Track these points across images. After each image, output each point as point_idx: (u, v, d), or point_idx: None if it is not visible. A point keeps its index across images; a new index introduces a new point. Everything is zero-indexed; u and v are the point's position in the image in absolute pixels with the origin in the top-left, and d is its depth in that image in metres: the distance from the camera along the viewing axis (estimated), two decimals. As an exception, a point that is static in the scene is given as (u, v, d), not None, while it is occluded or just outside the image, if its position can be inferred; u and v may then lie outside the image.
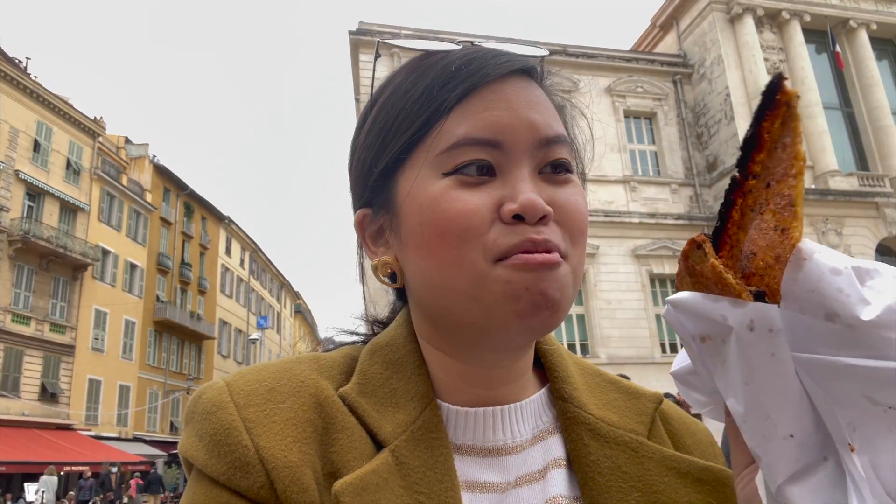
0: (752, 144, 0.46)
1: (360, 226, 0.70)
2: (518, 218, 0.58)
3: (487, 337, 0.62)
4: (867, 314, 0.39)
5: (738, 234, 0.47)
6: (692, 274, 0.46)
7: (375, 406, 0.63)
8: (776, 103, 0.46)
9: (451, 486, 0.58)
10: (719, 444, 0.82)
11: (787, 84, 0.46)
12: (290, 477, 0.55)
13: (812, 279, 0.41)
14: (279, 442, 0.57)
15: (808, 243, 0.43)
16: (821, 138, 22.73)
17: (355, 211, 0.71)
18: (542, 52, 0.70)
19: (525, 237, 0.58)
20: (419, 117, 0.63)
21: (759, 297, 0.43)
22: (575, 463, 0.65)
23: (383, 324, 0.80)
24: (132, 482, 22.21)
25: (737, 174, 0.47)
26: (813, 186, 22.19)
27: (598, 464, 0.64)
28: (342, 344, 0.78)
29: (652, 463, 0.65)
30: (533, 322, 0.59)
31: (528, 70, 0.66)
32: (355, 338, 0.79)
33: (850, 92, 24.71)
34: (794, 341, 0.42)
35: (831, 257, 0.42)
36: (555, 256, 0.58)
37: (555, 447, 0.67)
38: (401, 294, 0.75)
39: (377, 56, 0.74)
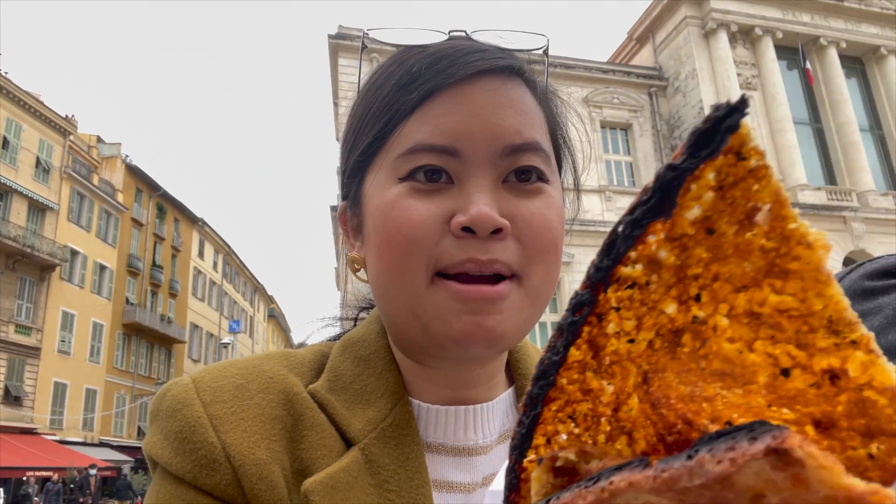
0: (642, 219, 0.28)
1: (343, 218, 0.70)
2: (469, 231, 0.55)
3: (430, 352, 0.61)
4: None
5: (583, 381, 0.30)
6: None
7: (345, 403, 0.62)
8: (717, 152, 0.27)
9: (422, 484, 0.58)
10: None
11: (745, 121, 0.27)
12: (257, 475, 0.55)
13: None
14: (247, 439, 0.56)
15: None
16: (790, 152, 23.20)
17: (341, 201, 0.70)
18: (540, 42, 0.65)
19: (469, 255, 0.55)
20: (380, 120, 0.61)
21: None
22: None
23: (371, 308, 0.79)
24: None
25: (591, 281, 0.30)
26: (783, 200, 22.57)
27: None
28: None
29: None
30: (470, 349, 0.57)
31: (507, 68, 0.61)
32: (343, 326, 0.78)
33: (819, 108, 25.28)
34: None
35: None
36: (497, 289, 0.56)
37: None
38: None
39: (363, 47, 0.70)
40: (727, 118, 0.26)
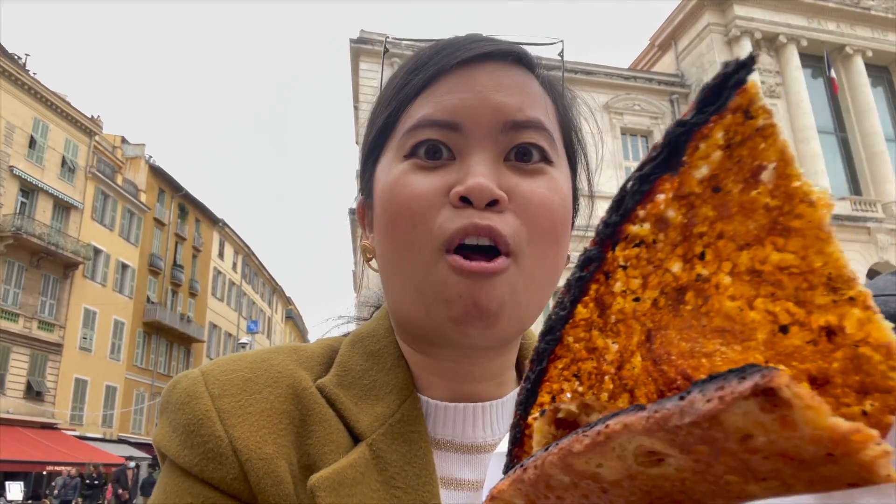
0: (650, 175, 0.29)
1: (360, 212, 0.71)
2: (467, 201, 0.56)
3: (430, 336, 0.61)
4: None
5: (588, 339, 0.31)
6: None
7: (354, 398, 0.62)
8: (725, 107, 0.27)
9: (430, 481, 0.58)
10: None
11: (754, 80, 0.27)
12: (263, 469, 0.54)
13: None
14: (254, 433, 0.56)
15: None
16: (814, 162, 22.90)
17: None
18: (555, 48, 0.67)
19: (469, 221, 0.56)
20: (391, 104, 0.63)
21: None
22: None
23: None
24: (109, 486, 21.78)
25: (599, 238, 0.30)
26: (806, 209, 22.32)
27: None
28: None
29: None
30: (468, 331, 0.57)
31: (511, 55, 0.63)
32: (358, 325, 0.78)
33: (844, 117, 24.92)
34: None
35: None
36: (494, 265, 0.56)
37: None
38: None
39: (386, 50, 0.74)
40: (735, 74, 0.26)
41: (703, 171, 0.28)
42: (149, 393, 34.68)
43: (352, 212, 17.95)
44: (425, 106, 0.60)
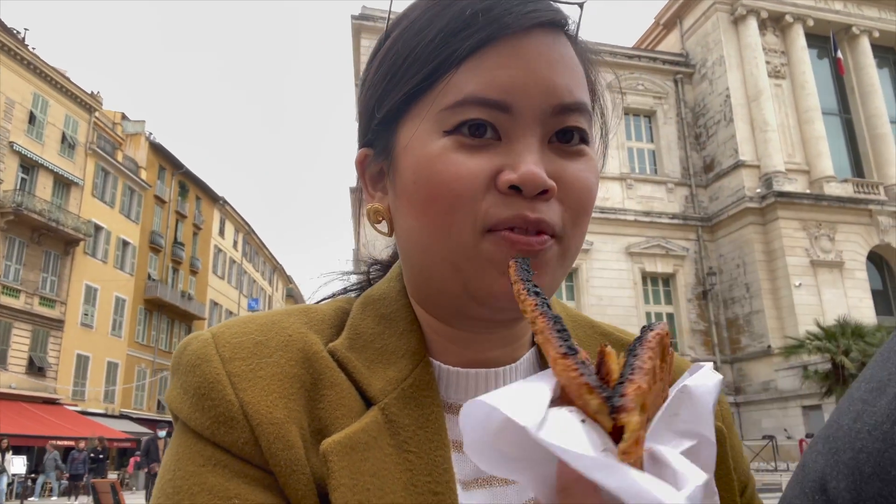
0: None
1: (361, 165, 0.68)
2: (516, 189, 0.55)
3: (466, 309, 0.60)
4: None
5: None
6: None
7: (366, 362, 0.61)
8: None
9: (441, 445, 0.57)
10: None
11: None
12: (274, 433, 0.54)
13: None
14: (264, 397, 0.55)
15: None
16: (818, 143, 22.81)
17: (359, 147, 0.68)
18: (578, 3, 0.63)
19: (518, 212, 0.55)
20: (427, 65, 0.58)
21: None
22: None
23: (382, 265, 0.77)
24: (132, 459, 21.79)
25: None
26: (808, 191, 22.28)
27: None
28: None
29: None
30: (508, 307, 0.56)
31: (557, 23, 0.59)
32: (352, 280, 0.77)
33: (849, 98, 24.78)
34: None
35: None
36: (542, 240, 0.55)
37: None
38: None
39: None
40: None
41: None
42: (150, 369, 34.95)
43: (353, 190, 17.65)
44: (472, 80, 0.56)
